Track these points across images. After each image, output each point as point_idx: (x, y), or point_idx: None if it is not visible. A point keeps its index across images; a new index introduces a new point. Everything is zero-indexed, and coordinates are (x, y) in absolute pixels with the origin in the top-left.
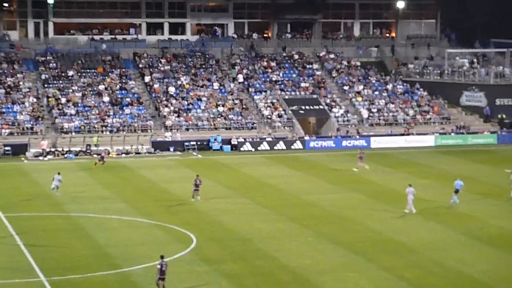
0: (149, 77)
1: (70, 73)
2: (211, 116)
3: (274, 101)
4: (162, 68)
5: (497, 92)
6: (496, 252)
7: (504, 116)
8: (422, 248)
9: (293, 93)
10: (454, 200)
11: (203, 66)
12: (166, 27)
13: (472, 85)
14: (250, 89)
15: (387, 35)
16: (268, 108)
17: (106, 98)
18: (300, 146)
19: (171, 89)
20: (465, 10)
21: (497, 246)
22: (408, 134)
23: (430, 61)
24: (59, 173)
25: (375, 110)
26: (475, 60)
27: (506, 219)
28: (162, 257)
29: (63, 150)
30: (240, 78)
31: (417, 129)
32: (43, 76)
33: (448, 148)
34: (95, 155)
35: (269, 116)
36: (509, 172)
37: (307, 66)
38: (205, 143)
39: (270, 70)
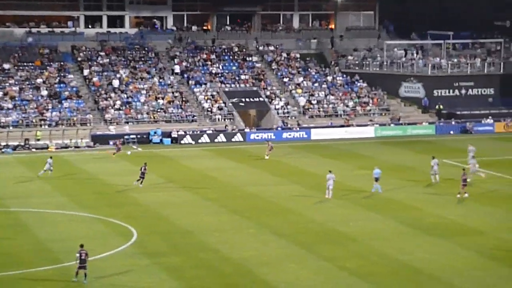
0: (88, 70)
1: (7, 66)
2: (151, 109)
3: (214, 93)
4: (101, 62)
5: (434, 83)
6: (435, 241)
7: (441, 107)
8: (362, 238)
9: (233, 85)
10: (376, 189)
11: (142, 59)
12: (104, 20)
13: (411, 76)
14: (190, 82)
15: (326, 27)
16: (208, 101)
17: (44, 92)
18: (241, 139)
19: (110, 82)
20: (403, 2)
21: (435, 234)
22: (348, 126)
23: (369, 52)
24: (51, 157)
25: (315, 102)
26: (413, 51)
27: (444, 208)
28: (81, 246)
29: (0, 144)
30: (178, 69)
31: (357, 120)
32: None
33: (387, 139)
34: (33, 149)
35: (209, 109)
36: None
37: (247, 59)
38: (145, 136)
39: (210, 63)
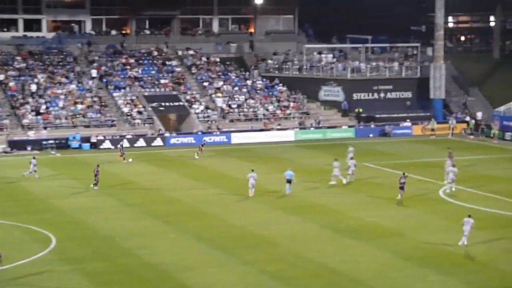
0: (4, 75)
1: None
2: (70, 114)
3: (134, 98)
4: (17, 66)
5: (354, 87)
6: (354, 243)
7: (361, 110)
8: (283, 241)
9: (152, 89)
10: (289, 191)
11: (60, 64)
12: (20, 23)
13: (330, 80)
14: (109, 86)
15: (246, 31)
16: (128, 105)
17: None
18: (161, 143)
19: (28, 87)
20: (323, 6)
21: (355, 237)
22: (268, 130)
23: (288, 56)
24: (34, 158)
25: (235, 106)
26: (333, 55)
27: (363, 210)
28: None
29: None
30: (95, 74)
31: (277, 124)
32: None
33: (308, 142)
34: None
35: (129, 113)
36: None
37: (167, 63)
38: (63, 141)
39: (129, 67)
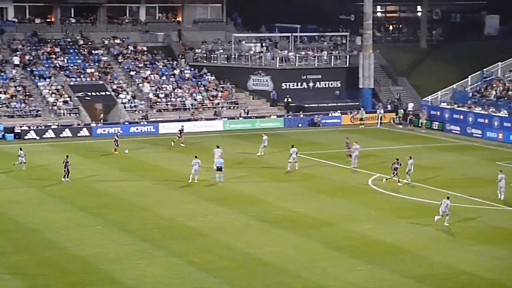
0: None
1: None
2: None
3: (59, 87)
4: None
5: (282, 76)
6: (283, 233)
7: (290, 99)
8: (211, 232)
9: (78, 79)
10: (219, 179)
11: None
12: None
13: (259, 69)
14: (33, 76)
15: (174, 19)
16: (53, 95)
17: None
18: (87, 133)
19: None
20: None
21: (284, 227)
22: (196, 119)
23: (217, 45)
24: (21, 149)
25: (162, 96)
26: (262, 44)
27: (292, 200)
28: None
29: None
30: (17, 61)
31: (205, 114)
32: None
33: (236, 132)
34: None
35: (54, 103)
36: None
37: (93, 52)
38: None
39: (54, 56)
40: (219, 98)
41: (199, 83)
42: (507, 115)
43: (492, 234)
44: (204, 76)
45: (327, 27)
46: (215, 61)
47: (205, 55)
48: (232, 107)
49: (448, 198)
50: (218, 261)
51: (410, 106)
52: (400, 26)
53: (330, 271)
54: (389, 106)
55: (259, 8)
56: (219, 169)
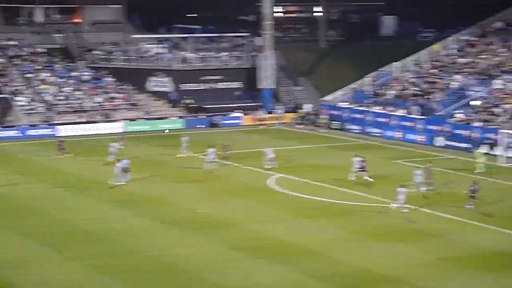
0: None
1: None
2: None
3: None
4: None
5: (182, 77)
6: (187, 235)
7: (190, 101)
8: (113, 236)
9: None
10: (124, 179)
11: None
12: None
13: (159, 70)
14: None
15: (72, 20)
16: None
17: None
18: None
19: None
20: None
21: (188, 229)
22: (96, 122)
23: (116, 47)
24: None
25: (62, 98)
26: (161, 45)
27: (195, 202)
28: None
29: None
30: None
31: (107, 116)
32: None
33: (136, 134)
34: None
35: None
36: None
37: None
38: None
39: None
40: (119, 100)
41: (98, 85)
42: (404, 114)
43: (392, 232)
44: (103, 78)
45: (227, 28)
46: (114, 63)
47: (104, 56)
48: (132, 109)
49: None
50: (121, 265)
51: (307, 107)
52: (300, 26)
53: (234, 272)
54: (289, 106)
55: (159, 9)
56: (125, 170)
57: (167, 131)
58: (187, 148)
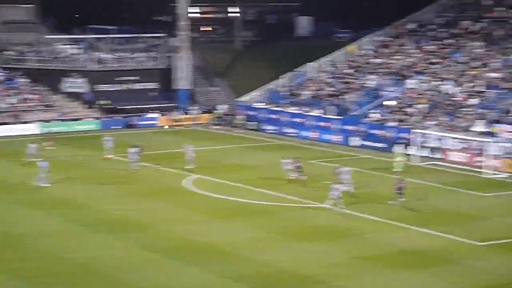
0: None
1: None
2: None
3: None
4: None
5: (98, 78)
6: (104, 237)
7: (106, 101)
8: (29, 238)
9: None
10: (44, 183)
11: None
12: None
13: (74, 71)
14: None
15: None
16: None
17: None
18: None
19: None
20: None
21: (103, 231)
22: (7, 123)
23: (30, 47)
24: None
25: None
26: (76, 46)
27: (112, 203)
28: None
29: None
30: None
31: (21, 117)
32: None
33: (53, 135)
34: None
35: None
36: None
37: None
38: None
39: None
40: (33, 101)
41: (11, 86)
42: (320, 115)
43: (307, 232)
44: (16, 78)
45: (143, 28)
46: (28, 63)
47: (17, 57)
48: (46, 110)
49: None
50: (36, 268)
51: (223, 107)
52: (216, 27)
53: (150, 273)
54: (205, 107)
55: (73, 9)
56: (44, 172)
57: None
58: (111, 149)
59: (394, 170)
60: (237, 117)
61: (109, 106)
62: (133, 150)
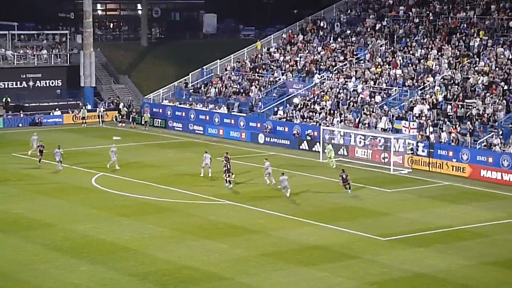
0: None
1: None
2: None
3: None
4: None
5: (1, 75)
6: (8, 237)
7: (9, 99)
8: None
9: None
10: None
11: None
12: None
13: None
14: None
15: None
16: None
17: None
18: None
19: None
20: None
21: (9, 230)
22: None
23: None
24: None
25: None
26: None
27: (7, 202)
28: None
29: None
30: None
31: None
32: None
33: None
34: None
35: None
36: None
37: None
38: None
39: None
40: None
41: None
42: (226, 112)
43: (213, 229)
44: None
45: (46, 25)
46: None
47: None
48: None
49: (283, 174)
50: None
51: (129, 105)
52: (121, 24)
53: (51, 272)
54: (111, 104)
55: None
56: None
57: (117, 138)
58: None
59: (332, 166)
60: (143, 114)
61: (13, 104)
62: (57, 150)
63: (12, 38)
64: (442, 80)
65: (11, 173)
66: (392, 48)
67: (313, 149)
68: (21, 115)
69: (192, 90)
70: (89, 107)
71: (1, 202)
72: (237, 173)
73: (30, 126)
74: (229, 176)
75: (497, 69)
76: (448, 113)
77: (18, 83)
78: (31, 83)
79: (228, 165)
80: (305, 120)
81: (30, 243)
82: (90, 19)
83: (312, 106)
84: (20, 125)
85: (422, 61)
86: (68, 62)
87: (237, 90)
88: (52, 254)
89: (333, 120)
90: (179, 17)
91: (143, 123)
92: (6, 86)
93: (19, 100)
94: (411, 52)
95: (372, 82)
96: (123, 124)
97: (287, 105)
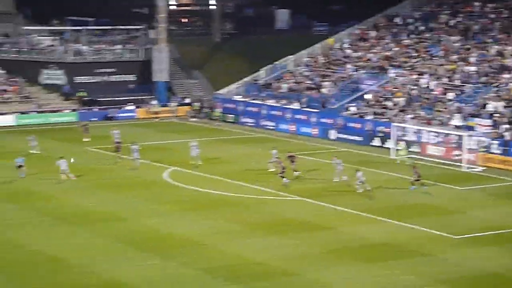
0: None
1: None
2: None
3: None
4: None
5: (76, 70)
6: (74, 229)
7: (83, 94)
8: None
9: None
10: (20, 175)
11: None
12: None
13: (51, 63)
14: None
15: None
16: None
17: None
18: None
19: None
20: None
21: (74, 223)
22: None
23: (6, 38)
24: None
25: None
26: (54, 37)
27: (83, 196)
28: None
29: None
30: None
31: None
32: None
33: (29, 127)
34: None
35: None
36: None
37: None
38: None
39: None
40: (10, 93)
41: None
42: (298, 108)
43: (282, 224)
44: None
45: (120, 20)
46: (4, 55)
47: None
48: (23, 102)
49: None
50: (3, 259)
51: (202, 100)
52: (194, 19)
53: (123, 265)
54: (183, 99)
55: (50, 1)
56: (20, 166)
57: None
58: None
59: (407, 163)
60: (215, 110)
61: (87, 98)
62: (134, 147)
63: (87, 34)
64: None
65: (84, 166)
66: (466, 44)
67: (385, 145)
68: (95, 109)
69: (263, 86)
70: (162, 102)
71: (73, 195)
72: (307, 169)
73: (104, 120)
74: (282, 173)
75: None
76: None
77: (93, 77)
78: (105, 78)
79: (292, 165)
80: (377, 116)
81: (102, 236)
82: (163, 14)
83: (384, 103)
84: (94, 119)
85: (497, 57)
86: (142, 57)
87: (309, 86)
88: (124, 247)
89: (405, 116)
90: (252, 12)
91: (215, 118)
92: (81, 81)
93: (93, 95)
94: (486, 48)
95: (445, 79)
96: (195, 119)
97: (359, 101)
